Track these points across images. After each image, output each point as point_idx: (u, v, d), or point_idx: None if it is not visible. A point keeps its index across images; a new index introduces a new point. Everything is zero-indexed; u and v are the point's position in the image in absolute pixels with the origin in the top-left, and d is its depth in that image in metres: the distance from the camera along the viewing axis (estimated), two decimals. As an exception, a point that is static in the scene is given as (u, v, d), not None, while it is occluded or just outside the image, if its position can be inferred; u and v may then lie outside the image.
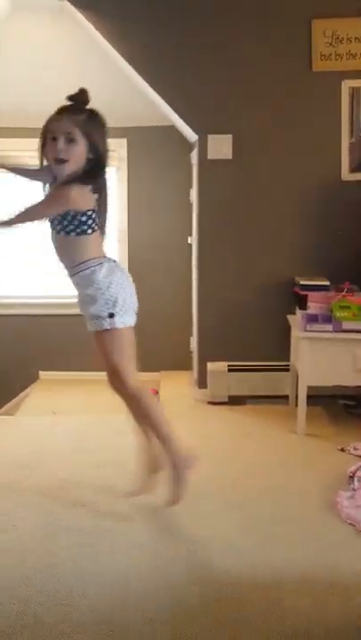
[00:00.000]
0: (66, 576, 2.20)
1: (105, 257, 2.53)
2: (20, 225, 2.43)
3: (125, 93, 4.46)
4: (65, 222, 2.43)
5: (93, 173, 2.41)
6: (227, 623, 1.96)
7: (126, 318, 2.48)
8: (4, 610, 2.02)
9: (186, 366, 4.83)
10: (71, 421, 3.87)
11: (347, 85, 4.04)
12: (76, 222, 2.41)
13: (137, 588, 2.14)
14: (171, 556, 2.33)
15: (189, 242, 4.72)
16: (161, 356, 4.92)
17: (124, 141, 5.07)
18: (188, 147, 4.53)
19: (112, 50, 4.00)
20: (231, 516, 2.64)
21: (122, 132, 4.99)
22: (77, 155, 2.36)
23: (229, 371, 4.22)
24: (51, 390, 4.99)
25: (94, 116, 2.41)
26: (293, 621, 1.96)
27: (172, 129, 4.49)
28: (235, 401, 4.22)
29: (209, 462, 3.20)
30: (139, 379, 2.55)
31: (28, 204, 2.41)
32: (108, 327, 2.45)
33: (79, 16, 3.94)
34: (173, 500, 2.53)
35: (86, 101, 2.41)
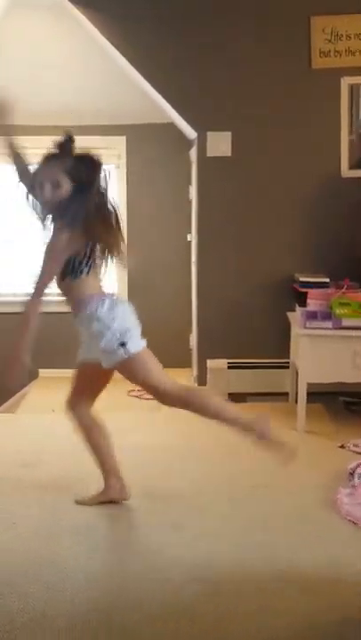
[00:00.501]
0: (67, 574, 2.20)
1: (105, 294, 2.58)
2: (43, 294, 2.51)
3: (125, 91, 4.45)
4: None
5: (74, 206, 2.44)
6: (227, 621, 1.96)
7: (139, 342, 2.53)
8: (6, 606, 2.02)
9: (185, 364, 4.83)
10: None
11: (346, 82, 4.04)
12: (70, 267, 2.49)
13: (137, 586, 2.14)
14: (171, 554, 2.33)
15: (189, 239, 4.72)
16: (160, 354, 4.88)
17: (123, 139, 5.06)
18: (188, 144, 4.53)
19: (112, 48, 4.00)
20: (230, 513, 2.65)
21: (121, 130, 4.98)
22: (58, 197, 2.44)
23: (229, 368, 4.23)
24: (50, 388, 4.98)
25: (81, 161, 2.46)
26: (294, 619, 1.97)
27: (171, 126, 4.49)
28: (234, 398, 4.21)
29: (208, 460, 3.21)
30: (178, 383, 2.61)
31: (36, 278, 2.48)
32: (126, 356, 2.48)
33: (79, 14, 3.94)
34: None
35: (71, 149, 2.47)
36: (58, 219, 2.46)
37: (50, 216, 2.50)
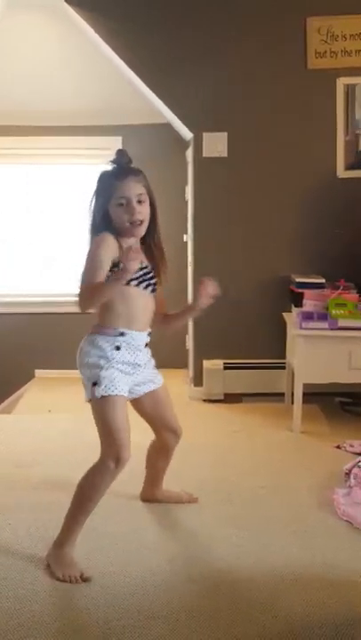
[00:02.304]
0: (62, 574, 2.20)
1: None
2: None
3: (121, 91, 4.45)
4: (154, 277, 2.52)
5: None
6: (224, 621, 1.96)
7: None
8: (1, 608, 2.01)
9: (181, 364, 4.83)
10: (67, 420, 3.87)
11: (342, 83, 4.05)
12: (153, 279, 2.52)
13: (135, 586, 2.14)
14: (169, 554, 2.33)
15: (185, 240, 4.72)
16: (156, 354, 4.89)
17: (119, 139, 5.05)
18: (184, 144, 4.53)
19: (108, 49, 3.99)
20: (227, 513, 2.65)
21: (117, 130, 4.97)
22: (147, 213, 2.40)
23: (225, 368, 4.23)
24: (46, 389, 4.98)
25: (144, 174, 2.46)
26: (291, 618, 1.97)
27: (167, 127, 4.48)
28: (230, 399, 4.22)
29: (204, 460, 3.21)
30: None
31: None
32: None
33: (75, 16, 3.94)
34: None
35: (131, 160, 2.45)
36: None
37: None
